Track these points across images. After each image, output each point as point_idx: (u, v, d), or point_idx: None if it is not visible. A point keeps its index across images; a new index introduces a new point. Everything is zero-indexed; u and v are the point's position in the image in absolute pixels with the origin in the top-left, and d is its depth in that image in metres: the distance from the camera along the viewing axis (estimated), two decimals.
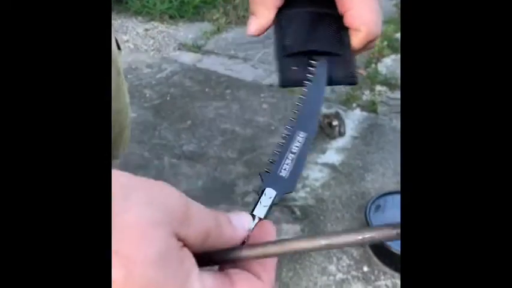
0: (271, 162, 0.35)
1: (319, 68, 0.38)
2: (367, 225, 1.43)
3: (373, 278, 1.39)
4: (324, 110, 2.02)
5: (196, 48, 2.68)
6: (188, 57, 2.59)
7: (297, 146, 0.36)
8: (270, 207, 0.33)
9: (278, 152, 0.36)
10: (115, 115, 0.97)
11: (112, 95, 0.94)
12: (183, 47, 2.70)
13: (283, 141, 0.36)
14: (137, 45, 2.70)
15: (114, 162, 1.40)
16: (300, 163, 0.35)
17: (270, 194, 0.34)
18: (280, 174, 0.34)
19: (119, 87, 0.97)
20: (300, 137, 0.36)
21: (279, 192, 0.34)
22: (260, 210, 0.33)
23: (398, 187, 1.64)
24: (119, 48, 0.97)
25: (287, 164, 0.35)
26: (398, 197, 1.53)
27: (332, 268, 1.42)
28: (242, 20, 2.96)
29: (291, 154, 0.35)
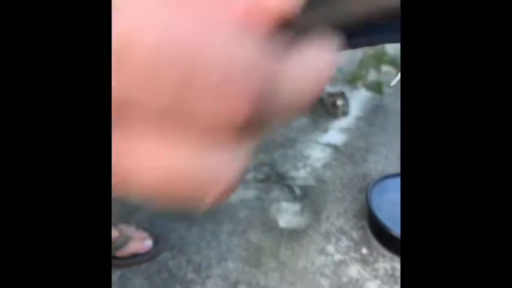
0: None
1: None
2: (367, 206, 1.41)
3: (371, 260, 1.37)
4: (329, 89, 1.98)
5: None
6: None
7: None
8: None
9: None
10: None
11: None
12: None
13: None
14: None
15: None
16: None
17: None
18: None
19: None
20: None
21: None
22: None
23: (399, 170, 1.62)
24: None
25: None
26: (399, 180, 1.51)
27: (330, 248, 1.40)
28: None
29: None
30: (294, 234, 1.44)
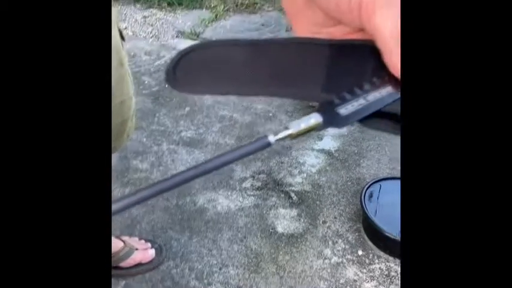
0: (337, 97, 0.32)
1: None
2: (361, 210, 1.46)
3: (367, 261, 1.42)
4: None
5: (194, 35, 2.68)
6: (186, 45, 2.58)
7: (375, 96, 0.31)
8: (308, 130, 0.30)
9: (351, 92, 0.32)
10: (117, 105, 0.98)
11: (114, 86, 0.95)
12: (181, 34, 2.71)
13: (365, 87, 0.32)
14: (136, 33, 2.70)
15: (113, 155, 1.41)
16: (365, 110, 0.31)
17: (315, 118, 0.31)
18: (339, 110, 0.31)
19: (122, 78, 0.98)
20: (385, 90, 0.32)
21: (325, 122, 0.30)
22: (295, 126, 0.30)
23: (393, 173, 1.66)
24: (122, 38, 0.97)
25: (352, 106, 0.31)
26: (392, 183, 1.55)
27: (327, 252, 1.45)
28: (240, 8, 2.96)
29: (363, 100, 0.31)
30: (292, 239, 1.48)
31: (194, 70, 0.35)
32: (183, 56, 0.36)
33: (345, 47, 0.35)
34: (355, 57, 0.34)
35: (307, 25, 0.37)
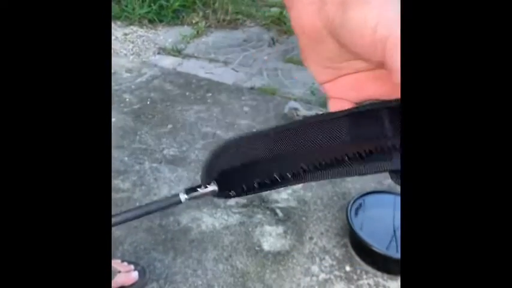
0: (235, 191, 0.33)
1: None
2: (348, 225, 1.44)
3: (355, 277, 1.40)
4: (304, 111, 2.03)
5: (176, 52, 2.67)
6: (168, 61, 2.58)
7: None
8: (200, 196, 0.33)
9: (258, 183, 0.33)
10: None
11: None
12: (162, 51, 2.69)
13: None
14: (116, 50, 2.68)
15: None
16: (265, 189, 0.33)
17: (212, 187, 0.33)
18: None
19: None
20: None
21: (220, 193, 0.33)
22: (190, 191, 0.33)
23: (377, 187, 1.65)
24: None
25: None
26: (377, 197, 1.54)
27: (315, 269, 1.42)
28: (222, 24, 2.96)
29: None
30: (278, 257, 1.46)
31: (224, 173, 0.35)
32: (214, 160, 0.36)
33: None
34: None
35: (318, 58, 0.36)
